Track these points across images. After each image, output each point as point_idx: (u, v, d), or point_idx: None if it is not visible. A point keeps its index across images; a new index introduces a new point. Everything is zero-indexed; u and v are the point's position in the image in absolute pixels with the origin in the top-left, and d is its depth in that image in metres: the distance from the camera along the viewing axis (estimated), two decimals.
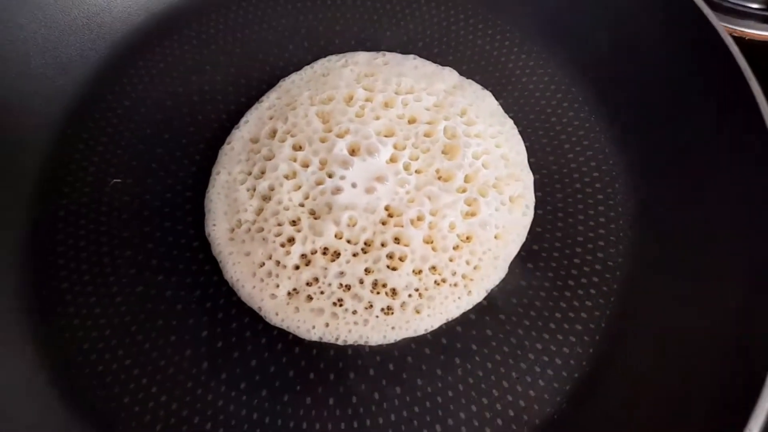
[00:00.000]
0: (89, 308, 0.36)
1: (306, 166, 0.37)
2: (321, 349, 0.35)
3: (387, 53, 0.43)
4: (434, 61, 0.43)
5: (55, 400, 0.33)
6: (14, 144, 0.40)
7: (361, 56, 0.42)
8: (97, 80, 0.43)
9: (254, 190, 0.37)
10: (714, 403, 0.29)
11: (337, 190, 0.36)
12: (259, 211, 0.36)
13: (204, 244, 0.37)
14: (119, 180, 0.39)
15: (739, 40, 0.54)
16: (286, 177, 0.37)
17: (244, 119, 0.40)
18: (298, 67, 0.42)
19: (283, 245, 0.35)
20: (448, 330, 0.35)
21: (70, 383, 0.34)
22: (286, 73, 0.42)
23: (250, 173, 0.37)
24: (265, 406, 0.33)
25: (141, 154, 0.40)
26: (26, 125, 0.40)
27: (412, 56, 0.43)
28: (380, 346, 0.35)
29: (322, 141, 0.38)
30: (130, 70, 0.44)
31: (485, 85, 0.43)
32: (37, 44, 0.42)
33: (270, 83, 0.42)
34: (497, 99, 0.42)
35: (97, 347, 0.35)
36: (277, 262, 0.34)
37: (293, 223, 0.36)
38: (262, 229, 0.35)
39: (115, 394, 0.34)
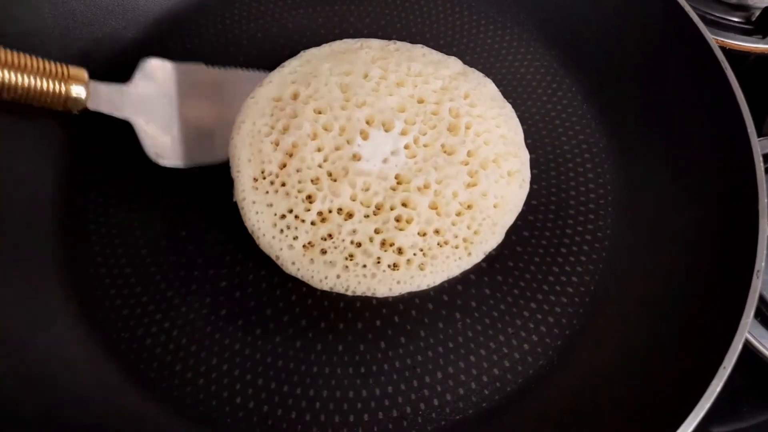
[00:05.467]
0: (116, 258, 0.38)
1: (327, 129, 0.40)
2: (332, 301, 0.38)
3: (398, 41, 0.46)
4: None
5: (82, 336, 0.36)
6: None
7: (375, 42, 0.46)
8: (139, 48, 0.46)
9: (278, 144, 0.39)
10: (693, 347, 0.32)
11: (355, 157, 0.39)
12: (283, 165, 0.38)
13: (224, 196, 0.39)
14: None
15: (721, 50, 0.59)
16: (309, 137, 0.39)
17: (267, 79, 0.42)
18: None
19: (304, 201, 0.38)
20: (449, 287, 0.38)
21: (97, 324, 0.36)
22: None
23: (273, 127, 0.40)
24: (279, 351, 0.36)
25: None
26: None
27: (420, 45, 0.46)
28: (386, 299, 0.37)
29: (343, 108, 0.40)
30: (169, 43, 0.48)
31: (487, 74, 0.46)
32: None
33: None
34: (498, 86, 0.45)
35: (122, 293, 0.37)
36: (296, 216, 0.37)
37: (313, 181, 0.38)
38: (284, 184, 0.38)
39: (138, 336, 0.36)
